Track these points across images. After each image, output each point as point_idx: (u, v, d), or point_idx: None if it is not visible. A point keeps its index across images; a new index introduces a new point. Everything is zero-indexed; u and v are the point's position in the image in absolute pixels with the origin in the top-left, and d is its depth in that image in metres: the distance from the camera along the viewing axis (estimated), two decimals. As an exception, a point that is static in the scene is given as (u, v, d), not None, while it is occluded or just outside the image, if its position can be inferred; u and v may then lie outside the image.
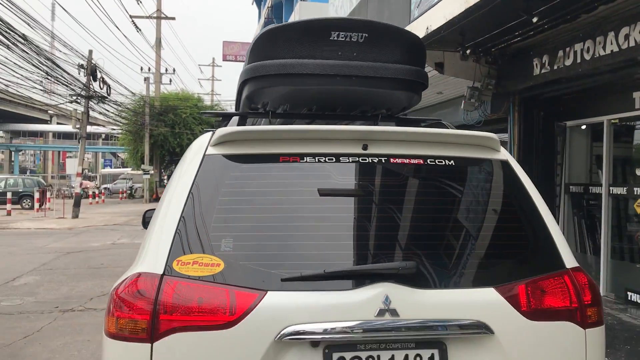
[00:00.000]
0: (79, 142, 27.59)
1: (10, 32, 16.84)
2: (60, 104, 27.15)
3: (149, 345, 1.98)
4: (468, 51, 7.97)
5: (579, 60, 6.77)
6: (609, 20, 6.28)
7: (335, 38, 2.80)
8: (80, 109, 26.35)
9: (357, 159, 2.39)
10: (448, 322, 2.10)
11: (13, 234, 18.47)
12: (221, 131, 2.36)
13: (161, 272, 2.06)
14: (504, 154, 2.60)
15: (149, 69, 40.83)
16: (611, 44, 6.21)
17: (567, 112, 8.61)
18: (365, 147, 2.42)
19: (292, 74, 2.79)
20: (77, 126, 26.71)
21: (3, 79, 23.16)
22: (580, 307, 2.24)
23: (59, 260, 12.17)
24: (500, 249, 2.35)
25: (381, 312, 2.04)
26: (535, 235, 2.37)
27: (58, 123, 75.40)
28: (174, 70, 42.83)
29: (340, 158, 2.38)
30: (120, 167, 71.66)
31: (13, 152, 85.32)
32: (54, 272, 10.86)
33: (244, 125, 3.07)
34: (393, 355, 2.08)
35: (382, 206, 2.37)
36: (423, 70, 3.08)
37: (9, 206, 26.19)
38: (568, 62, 6.95)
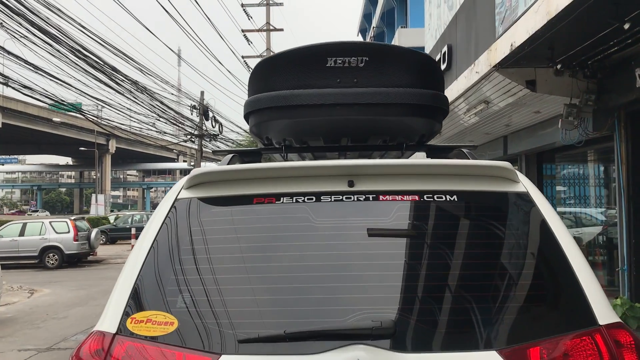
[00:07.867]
0: (195, 178, 29.14)
1: (137, 90, 18.49)
2: (176, 143, 28.84)
3: None
4: (559, 66, 7.32)
5: (685, 68, 5.98)
6: None
7: (333, 64, 2.54)
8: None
9: (341, 197, 2.10)
10: None
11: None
12: (194, 172, 2.18)
13: (114, 332, 1.87)
14: (523, 186, 2.19)
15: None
16: None
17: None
18: (351, 184, 2.12)
19: (287, 106, 2.56)
20: (192, 163, 28.28)
21: (134, 127, 25.33)
22: None
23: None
24: (510, 301, 1.90)
25: None
26: (557, 283, 1.93)
27: (184, 161, 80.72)
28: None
29: (322, 197, 2.10)
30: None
31: (145, 190, 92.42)
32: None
33: (259, 161, 2.87)
34: None
35: (364, 252, 2.01)
36: (440, 94, 2.73)
37: (133, 241, 28.01)
38: (674, 71, 6.17)
